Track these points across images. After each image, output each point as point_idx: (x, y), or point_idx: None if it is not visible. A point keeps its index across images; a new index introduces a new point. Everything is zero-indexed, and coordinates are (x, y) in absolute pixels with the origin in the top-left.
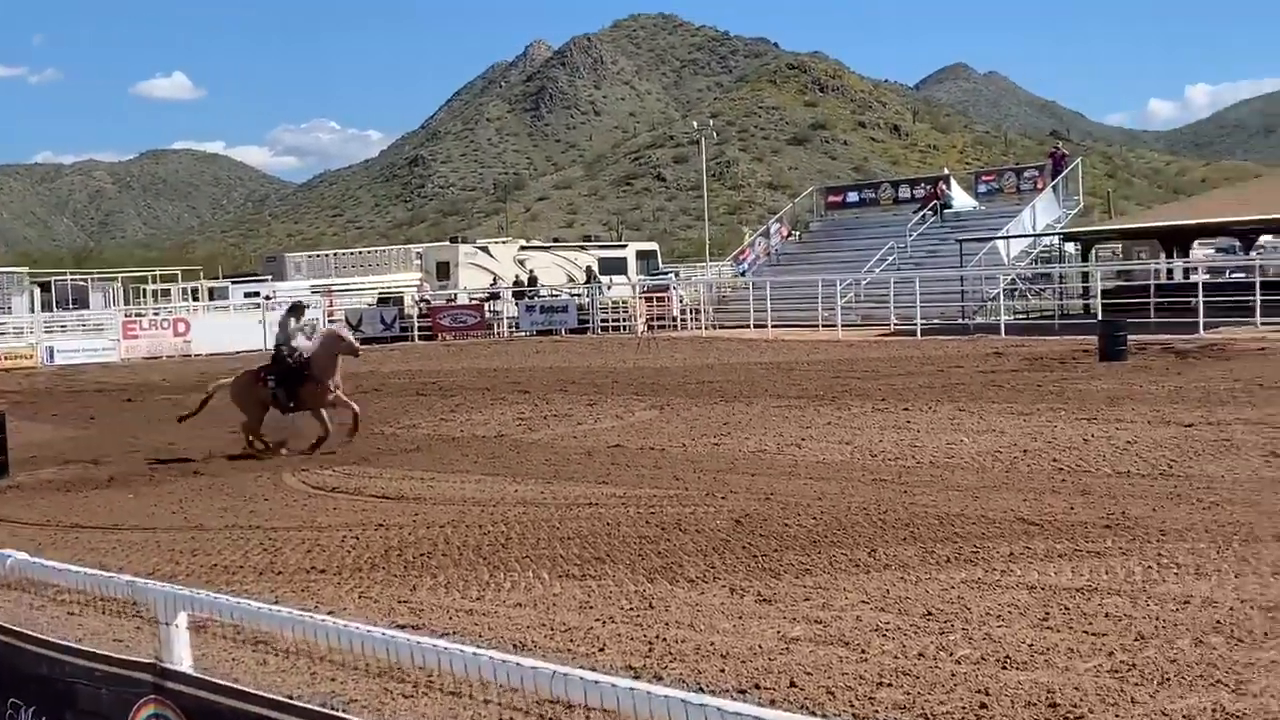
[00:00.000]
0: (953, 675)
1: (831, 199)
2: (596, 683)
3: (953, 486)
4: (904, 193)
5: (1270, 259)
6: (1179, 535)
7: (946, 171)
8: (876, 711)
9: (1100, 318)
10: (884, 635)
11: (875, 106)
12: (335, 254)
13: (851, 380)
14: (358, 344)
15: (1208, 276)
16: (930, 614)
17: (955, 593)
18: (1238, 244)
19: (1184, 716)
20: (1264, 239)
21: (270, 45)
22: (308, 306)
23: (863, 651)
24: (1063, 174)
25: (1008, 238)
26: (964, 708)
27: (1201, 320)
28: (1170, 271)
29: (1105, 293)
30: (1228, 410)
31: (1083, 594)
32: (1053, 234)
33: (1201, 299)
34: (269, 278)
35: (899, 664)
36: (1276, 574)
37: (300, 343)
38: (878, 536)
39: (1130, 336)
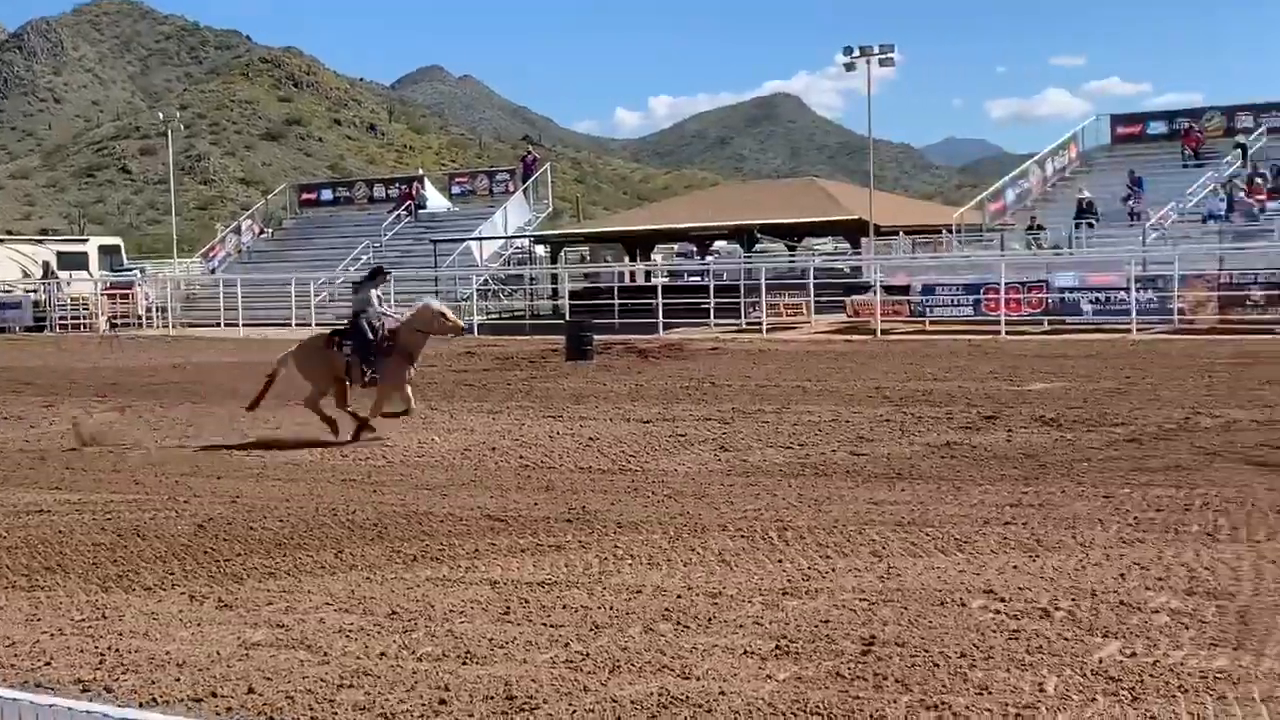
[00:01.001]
0: (414, 673)
1: (305, 196)
2: None
3: (422, 485)
4: (379, 192)
5: (723, 264)
6: (635, 528)
7: (421, 172)
8: (336, 713)
9: (568, 318)
10: (347, 636)
11: (351, 104)
12: None
13: None
14: (463, 323)
15: (667, 280)
16: (395, 613)
17: (420, 590)
18: (695, 249)
19: (631, 702)
20: (718, 244)
21: None
22: (389, 273)
23: (325, 654)
24: (533, 178)
25: (481, 239)
26: (424, 704)
27: (661, 321)
28: (634, 275)
29: (573, 294)
30: (683, 407)
31: (543, 587)
32: (524, 236)
33: (661, 301)
34: None
35: (361, 664)
36: (722, 562)
37: (384, 310)
38: (345, 537)
39: (596, 337)
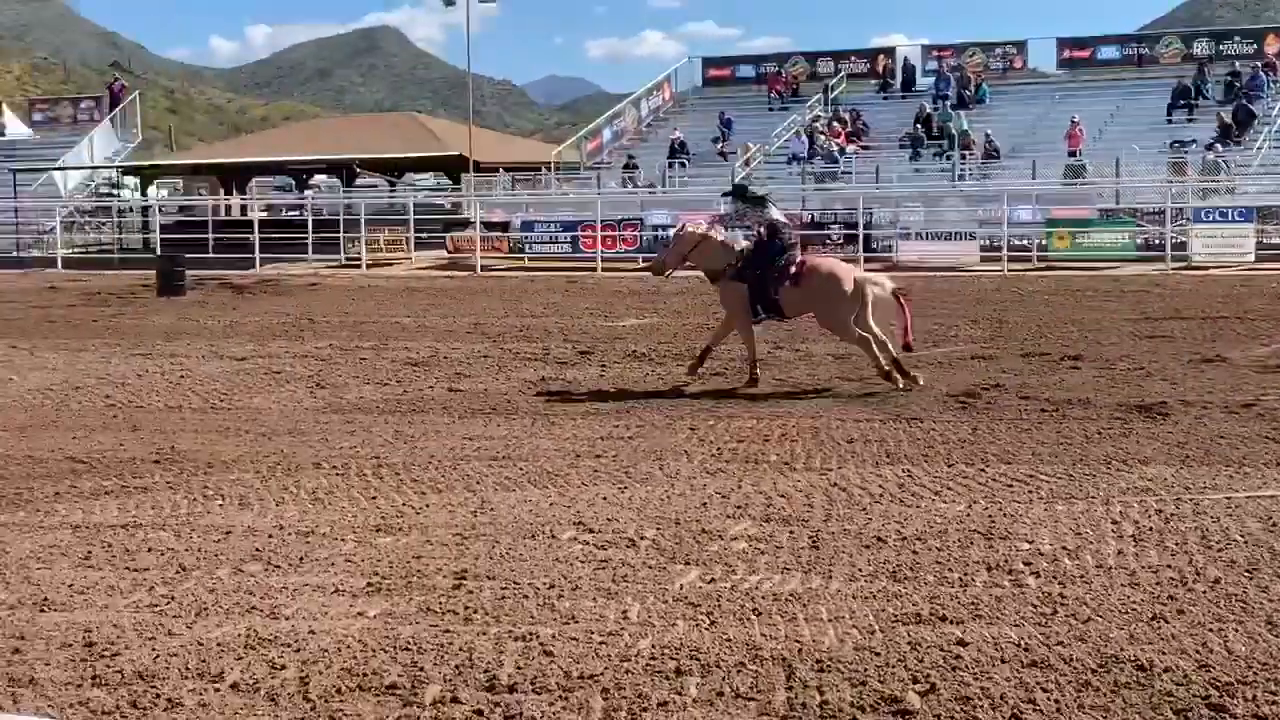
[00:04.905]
0: None
1: None
2: None
3: None
4: None
5: (322, 199)
6: (226, 467)
7: (0, 98)
8: None
9: (159, 253)
10: None
11: None
12: None
13: None
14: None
15: (265, 214)
16: None
17: None
18: (293, 183)
19: (218, 644)
20: (317, 179)
21: None
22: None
23: None
24: (121, 106)
25: (65, 169)
26: None
27: (258, 256)
28: (229, 208)
29: (165, 228)
30: (279, 344)
31: (127, 530)
32: (111, 166)
33: (258, 236)
34: None
35: None
36: (315, 500)
37: None
38: None
39: (190, 272)
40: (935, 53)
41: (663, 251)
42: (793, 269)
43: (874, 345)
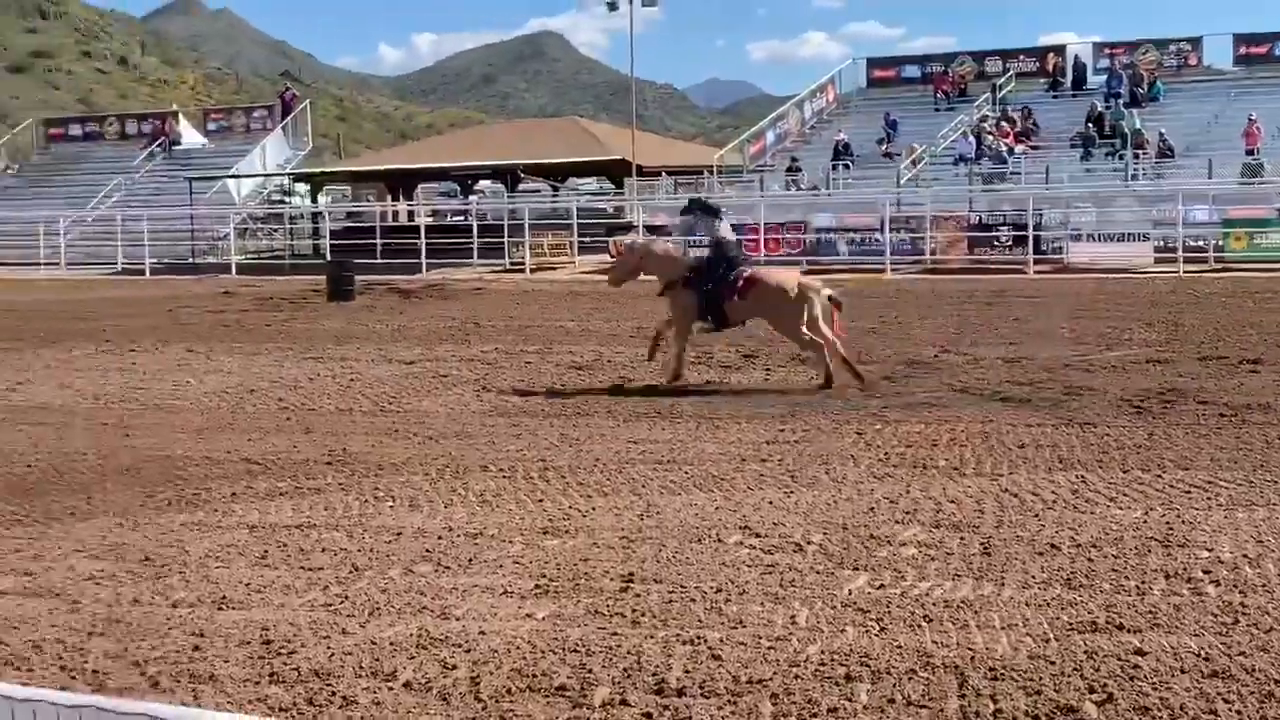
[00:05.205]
0: (168, 620)
1: (54, 131)
2: None
3: (178, 428)
4: (131, 128)
5: (487, 204)
6: (396, 469)
7: (176, 108)
8: (86, 662)
9: (329, 258)
10: (98, 583)
11: (102, 37)
12: None
13: (74, 322)
14: None
15: (430, 219)
16: (148, 559)
17: (175, 536)
18: (458, 189)
19: (391, 643)
20: (482, 184)
21: None
22: None
23: (75, 602)
24: (292, 115)
25: (238, 177)
26: (178, 651)
27: (424, 261)
28: (396, 214)
29: (334, 233)
30: (446, 348)
31: (301, 530)
32: (283, 174)
33: (424, 241)
34: None
35: (112, 612)
36: (482, 502)
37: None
38: (96, 482)
39: (358, 277)
40: (1107, 50)
41: (616, 265)
42: (740, 283)
43: (824, 348)
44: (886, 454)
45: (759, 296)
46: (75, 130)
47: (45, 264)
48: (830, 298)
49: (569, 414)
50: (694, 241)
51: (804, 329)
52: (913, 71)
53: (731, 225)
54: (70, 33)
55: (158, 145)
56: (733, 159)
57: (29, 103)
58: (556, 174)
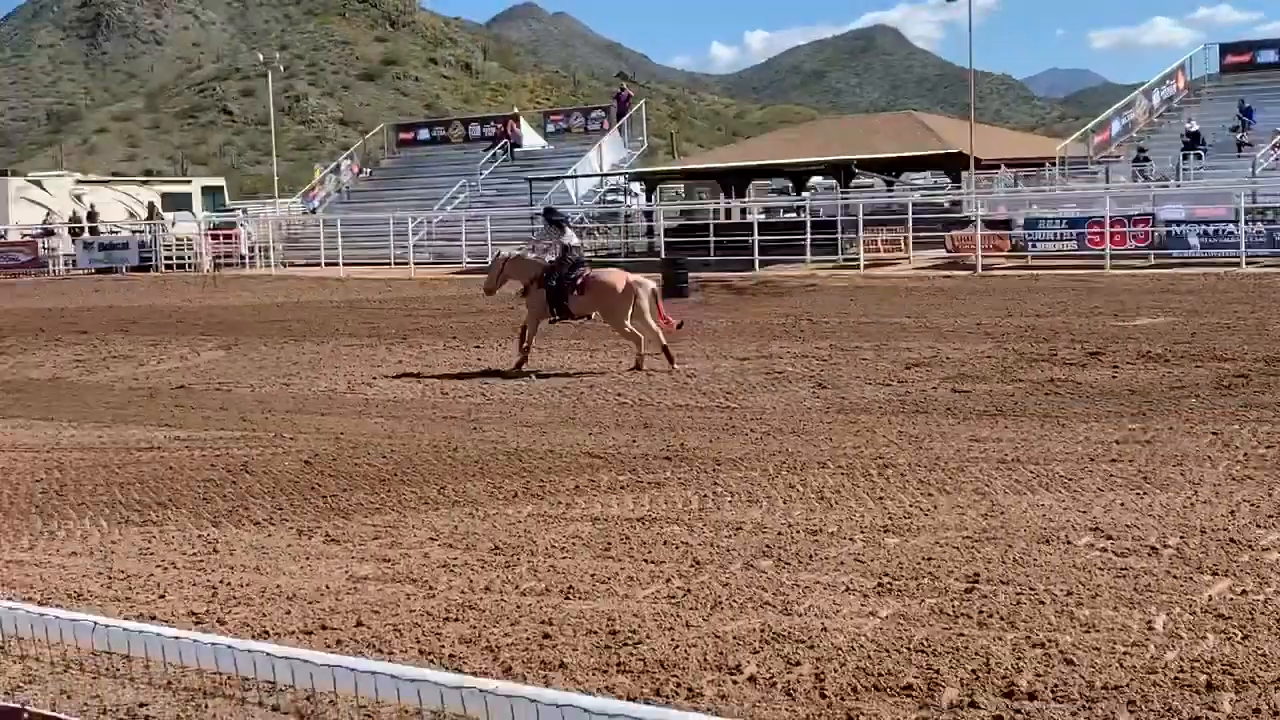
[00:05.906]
0: (518, 607)
1: (403, 136)
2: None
3: (522, 422)
4: (475, 131)
5: (820, 200)
6: (733, 464)
7: (516, 110)
8: (443, 646)
9: (663, 256)
10: (451, 571)
11: (446, 44)
12: None
13: (423, 318)
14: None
15: (763, 216)
16: (497, 548)
17: (522, 526)
18: (790, 185)
19: (734, 637)
20: (814, 180)
21: None
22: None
23: (430, 588)
24: (628, 115)
25: (576, 177)
26: (528, 639)
27: (757, 258)
28: (729, 211)
29: (669, 231)
30: (779, 344)
31: (643, 523)
32: (619, 174)
33: (757, 238)
34: None
35: (466, 599)
36: (821, 499)
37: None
38: (447, 473)
39: (691, 274)
40: None
41: (488, 272)
42: (580, 280)
43: (641, 339)
44: (1246, 455)
45: (594, 293)
46: (423, 134)
47: (396, 263)
48: (652, 291)
49: (907, 410)
50: (547, 247)
51: (626, 322)
52: (1269, 56)
53: (575, 233)
54: (417, 40)
55: (500, 147)
56: (1076, 149)
57: (379, 109)
58: (890, 168)
